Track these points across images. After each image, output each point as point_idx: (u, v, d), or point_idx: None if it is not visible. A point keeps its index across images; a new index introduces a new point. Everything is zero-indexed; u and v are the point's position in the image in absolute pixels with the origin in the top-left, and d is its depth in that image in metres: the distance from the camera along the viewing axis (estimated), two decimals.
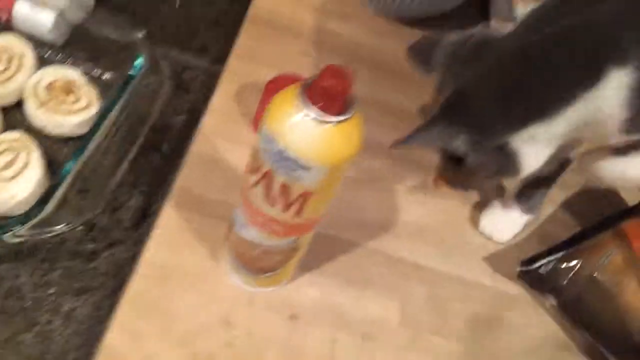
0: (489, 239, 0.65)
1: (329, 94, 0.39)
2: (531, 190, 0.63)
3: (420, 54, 0.60)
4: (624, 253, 0.59)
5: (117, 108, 0.58)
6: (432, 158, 0.63)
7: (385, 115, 0.69)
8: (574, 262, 0.60)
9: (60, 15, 0.62)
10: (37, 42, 0.63)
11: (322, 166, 0.40)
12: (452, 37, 0.59)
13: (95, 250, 0.54)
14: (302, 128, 0.39)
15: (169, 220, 0.56)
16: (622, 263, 0.58)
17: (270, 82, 0.63)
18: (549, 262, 0.61)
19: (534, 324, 0.61)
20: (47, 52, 0.64)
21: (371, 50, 0.77)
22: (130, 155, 0.57)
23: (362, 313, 0.56)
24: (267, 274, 0.52)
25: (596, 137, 0.53)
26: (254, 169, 0.44)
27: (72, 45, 0.64)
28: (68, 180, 0.52)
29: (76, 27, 0.64)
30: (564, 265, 0.60)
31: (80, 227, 0.54)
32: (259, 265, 0.51)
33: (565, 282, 0.59)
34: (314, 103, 0.39)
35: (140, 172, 0.60)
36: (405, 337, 0.56)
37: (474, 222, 0.66)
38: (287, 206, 0.43)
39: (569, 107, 0.49)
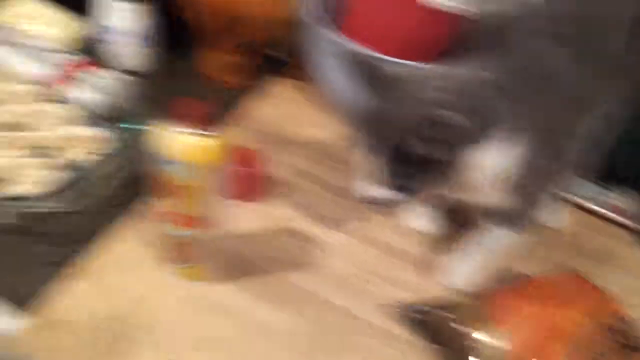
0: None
1: (185, 118, 0.63)
2: None
3: None
4: None
5: None
6: None
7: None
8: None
9: None
10: None
11: (180, 161, 0.63)
12: None
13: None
14: (168, 136, 0.63)
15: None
16: None
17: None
18: (428, 311, 0.72)
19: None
20: None
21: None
22: None
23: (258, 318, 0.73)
24: (183, 265, 0.73)
25: None
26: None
27: None
28: None
29: None
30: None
31: None
32: (175, 254, 0.72)
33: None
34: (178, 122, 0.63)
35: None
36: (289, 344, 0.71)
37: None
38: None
39: None
